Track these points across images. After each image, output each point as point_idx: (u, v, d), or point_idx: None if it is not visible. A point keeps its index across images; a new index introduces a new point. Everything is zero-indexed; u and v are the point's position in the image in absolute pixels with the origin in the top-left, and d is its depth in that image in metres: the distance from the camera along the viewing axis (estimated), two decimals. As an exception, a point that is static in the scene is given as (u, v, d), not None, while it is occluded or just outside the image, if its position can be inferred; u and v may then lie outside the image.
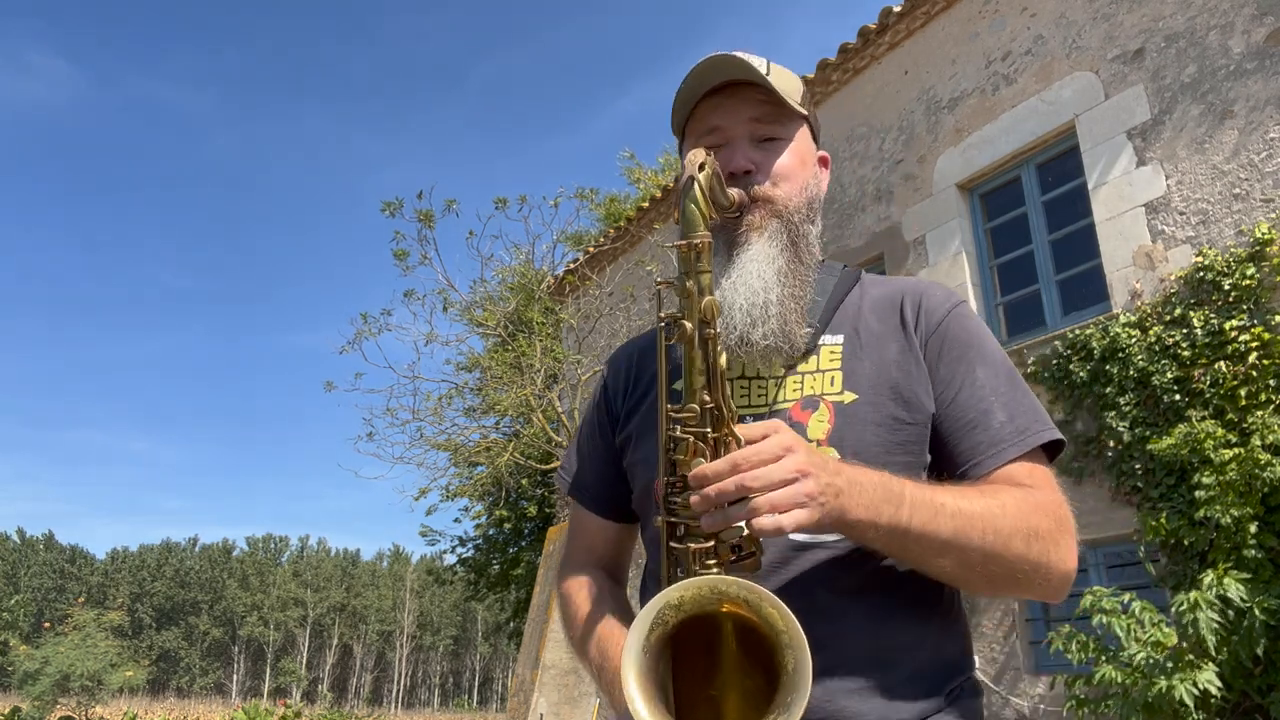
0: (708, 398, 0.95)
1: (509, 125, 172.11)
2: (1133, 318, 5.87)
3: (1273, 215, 5.38)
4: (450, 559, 17.09)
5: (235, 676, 74.20)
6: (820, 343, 1.19)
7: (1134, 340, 5.75)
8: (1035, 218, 6.92)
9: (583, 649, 1.25)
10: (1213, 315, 5.43)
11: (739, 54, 1.17)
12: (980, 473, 1.10)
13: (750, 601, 0.85)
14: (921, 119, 7.77)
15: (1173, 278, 5.77)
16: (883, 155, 8.08)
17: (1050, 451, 1.15)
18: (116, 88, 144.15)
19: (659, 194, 11.14)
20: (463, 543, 16.64)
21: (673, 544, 0.97)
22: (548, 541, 12.18)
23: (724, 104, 1.20)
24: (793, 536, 1.07)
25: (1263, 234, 5.32)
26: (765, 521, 0.87)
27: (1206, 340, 5.39)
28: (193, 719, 27.71)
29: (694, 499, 0.90)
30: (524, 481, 13.63)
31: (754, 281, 1.12)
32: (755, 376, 1.18)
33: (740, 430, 0.94)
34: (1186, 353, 5.45)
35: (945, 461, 1.14)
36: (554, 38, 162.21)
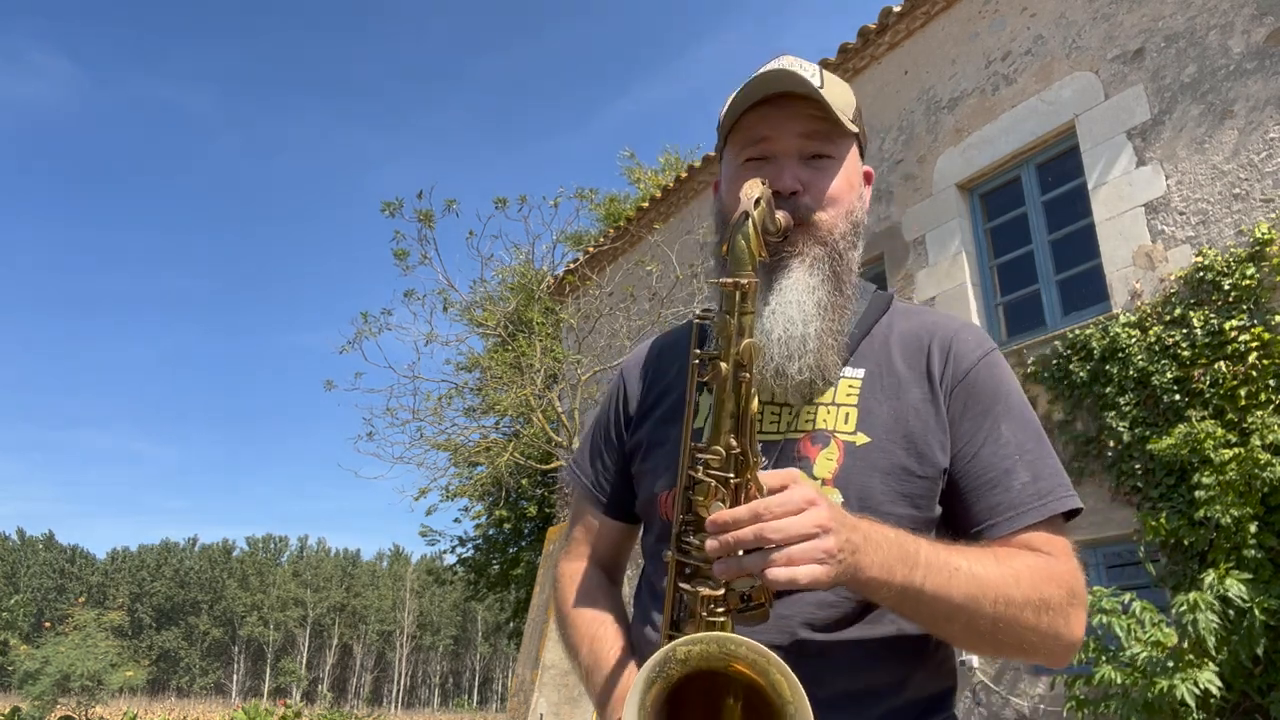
0: (734, 442, 0.93)
1: (509, 125, 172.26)
2: (1133, 318, 5.87)
3: (1273, 215, 5.38)
4: (450, 559, 17.09)
5: (235, 676, 74.19)
6: (841, 375, 1.15)
7: (1134, 340, 5.75)
8: (1035, 218, 6.92)
9: (571, 643, 1.24)
10: (1213, 315, 5.43)
11: (794, 65, 1.13)
12: (996, 535, 1.08)
13: (758, 665, 0.84)
14: (921, 119, 7.76)
15: (1173, 278, 5.77)
16: (883, 155, 8.08)
17: (1068, 515, 1.12)
18: (118, 87, 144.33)
19: (659, 194, 11.14)
20: (463, 543, 16.64)
21: (681, 584, 0.96)
22: (548, 541, 12.18)
23: (774, 115, 1.14)
24: None
25: (1263, 234, 5.32)
26: (779, 574, 0.86)
27: (1206, 340, 5.39)
28: (193, 719, 27.69)
29: (710, 544, 0.88)
30: (524, 481, 13.62)
31: (793, 312, 1.09)
32: (770, 402, 1.14)
33: (763, 478, 0.92)
34: (1186, 353, 5.45)
35: (961, 517, 1.12)
36: (554, 37, 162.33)
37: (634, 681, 0.85)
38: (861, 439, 1.11)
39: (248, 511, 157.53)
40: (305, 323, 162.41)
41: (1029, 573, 1.02)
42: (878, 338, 1.20)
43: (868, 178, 1.27)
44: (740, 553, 0.87)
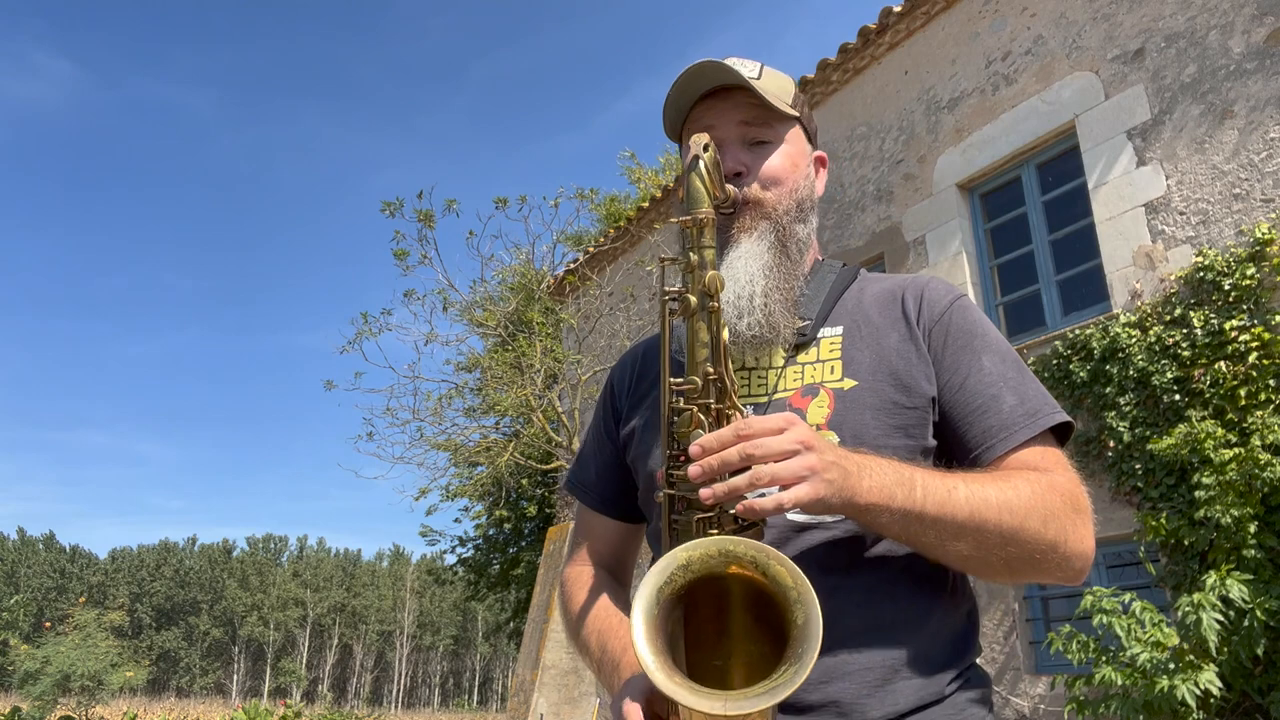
0: (710, 370, 0.96)
1: (509, 125, 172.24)
2: (1133, 318, 5.86)
3: (1273, 215, 5.38)
4: (450, 559, 17.08)
5: (235, 676, 74.17)
6: (820, 335, 1.20)
7: (1134, 340, 5.75)
8: (1035, 218, 6.92)
9: (581, 641, 1.25)
10: (1213, 315, 5.42)
11: (728, 60, 1.19)
12: (992, 456, 1.10)
13: (758, 561, 0.85)
14: (921, 119, 7.76)
15: (1173, 278, 5.76)
16: (883, 155, 8.08)
17: (1060, 436, 1.15)
18: (119, 88, 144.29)
19: (659, 194, 11.13)
20: (463, 543, 16.63)
21: (674, 518, 0.97)
22: (548, 541, 12.17)
23: (716, 106, 1.22)
24: (791, 517, 1.07)
25: (1263, 234, 5.32)
26: (766, 502, 0.87)
27: (1206, 340, 5.39)
28: (193, 719, 27.68)
29: (692, 469, 0.89)
30: (524, 481, 13.62)
31: (740, 275, 1.14)
32: (755, 367, 1.19)
33: (745, 408, 0.94)
34: (1186, 353, 5.45)
35: (956, 448, 1.14)
36: (555, 37, 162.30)
37: (639, 589, 0.86)
38: (849, 383, 1.15)
39: (248, 511, 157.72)
40: (305, 323, 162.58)
41: (1029, 486, 1.03)
42: (850, 300, 1.25)
43: (820, 161, 1.34)
44: (728, 476, 0.89)
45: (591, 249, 11.36)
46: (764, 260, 1.16)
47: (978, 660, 1.20)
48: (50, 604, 67.92)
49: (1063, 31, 6.72)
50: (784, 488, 0.89)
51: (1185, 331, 5.52)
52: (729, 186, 1.13)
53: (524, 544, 15.82)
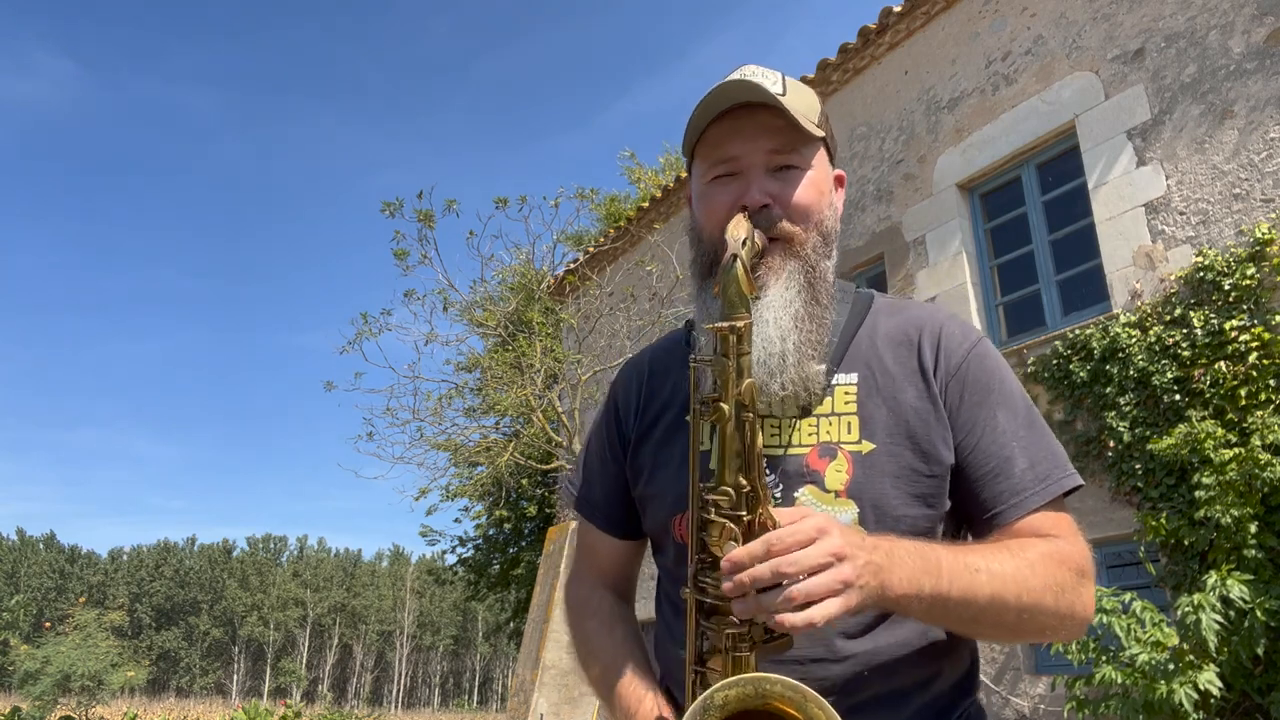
0: (743, 481, 0.95)
1: (509, 125, 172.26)
2: (1133, 318, 5.86)
3: (1273, 215, 5.38)
4: (450, 559, 17.08)
5: (235, 676, 74.17)
6: (834, 383, 1.16)
7: (1134, 340, 5.75)
8: (1035, 218, 6.92)
9: (590, 675, 1.25)
10: (1213, 315, 5.42)
11: (753, 75, 1.13)
12: (1003, 522, 1.11)
13: (795, 701, 0.86)
14: (921, 119, 7.76)
15: (1173, 278, 5.76)
16: (883, 155, 8.08)
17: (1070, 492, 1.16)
18: (120, 88, 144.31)
19: (659, 194, 11.13)
20: (463, 543, 16.63)
21: (702, 620, 0.97)
22: (548, 541, 12.17)
23: (738, 128, 1.14)
24: None
25: (1263, 234, 5.32)
26: (796, 619, 0.86)
27: (1206, 340, 5.39)
28: (193, 719, 27.68)
29: (727, 585, 0.89)
30: (524, 481, 13.62)
31: (770, 331, 1.09)
32: (768, 415, 1.14)
33: (776, 514, 0.93)
34: (1186, 353, 5.45)
35: (968, 505, 1.14)
36: (555, 37, 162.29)
37: None
38: (867, 446, 1.12)
39: (248, 511, 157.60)
40: (305, 323, 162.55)
41: (1042, 560, 1.05)
42: (864, 340, 1.20)
43: (839, 181, 1.26)
44: (760, 592, 0.88)
45: (591, 249, 11.36)
46: (794, 309, 1.11)
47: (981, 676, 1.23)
48: (50, 604, 67.92)
49: (1063, 31, 6.72)
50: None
51: (1185, 331, 5.52)
52: (756, 235, 1.08)
53: (524, 544, 15.82)
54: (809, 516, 0.91)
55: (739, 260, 0.97)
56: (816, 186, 1.17)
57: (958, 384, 1.15)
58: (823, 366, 1.14)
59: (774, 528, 0.92)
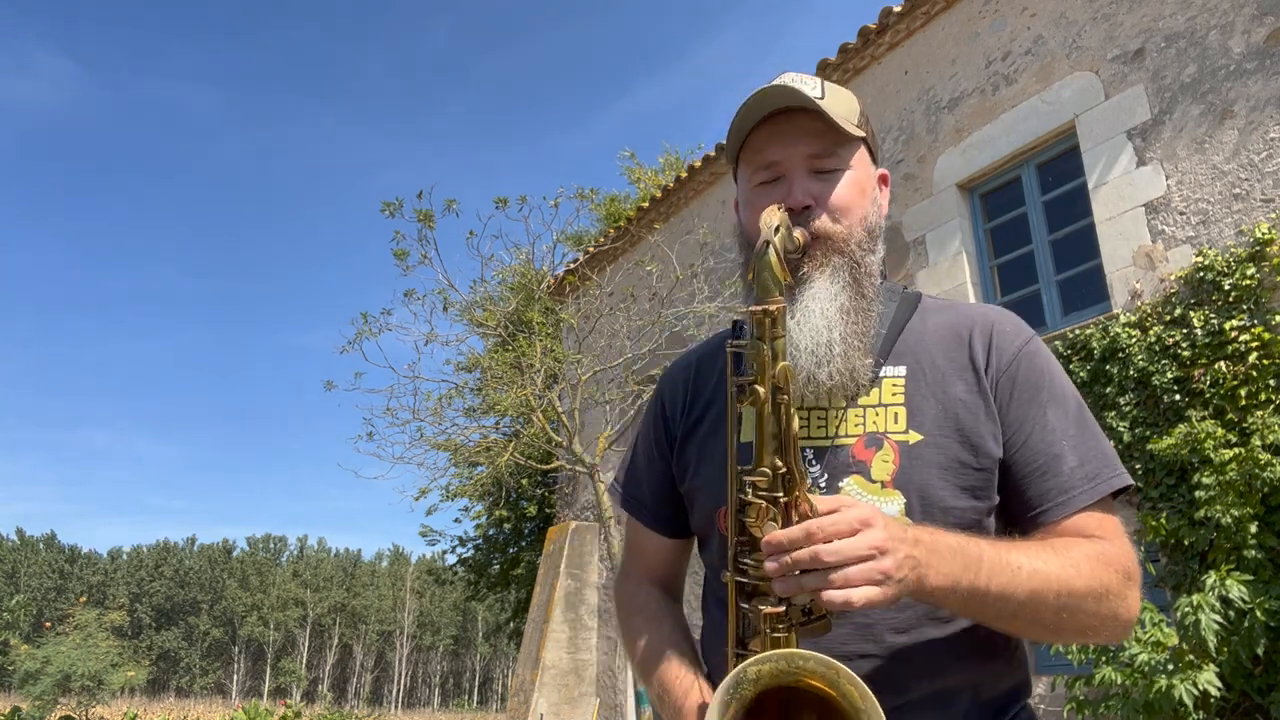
0: (779, 462, 0.96)
1: (509, 125, 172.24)
2: (1133, 318, 5.87)
3: (1273, 215, 5.38)
4: (450, 559, 17.07)
5: (235, 676, 74.17)
6: (881, 375, 1.17)
7: (1134, 340, 5.75)
8: (1035, 218, 6.92)
9: (641, 669, 1.25)
10: (1213, 315, 5.42)
11: (792, 80, 1.15)
12: (1049, 520, 1.10)
13: (828, 677, 0.86)
14: (921, 119, 7.77)
15: (1173, 278, 5.77)
16: (883, 155, 8.08)
17: (1119, 493, 1.15)
18: (120, 88, 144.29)
19: (659, 194, 11.14)
20: (463, 543, 16.62)
21: (742, 603, 0.99)
22: (548, 541, 12.18)
23: (779, 133, 1.17)
24: None
25: (1263, 234, 5.32)
26: (835, 596, 0.87)
27: (1206, 340, 5.39)
28: (193, 719, 27.69)
29: (768, 565, 0.90)
30: (524, 481, 13.62)
31: (817, 320, 1.11)
32: (815, 407, 1.16)
33: (816, 500, 0.94)
34: (1186, 353, 5.45)
35: (1015, 503, 1.14)
36: (555, 37, 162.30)
37: (710, 706, 0.88)
38: (914, 437, 1.12)
39: (248, 511, 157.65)
40: (305, 323, 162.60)
41: (1087, 562, 1.04)
42: (912, 335, 1.21)
43: (883, 180, 1.28)
44: (800, 573, 0.89)
45: (591, 249, 11.36)
46: (839, 302, 1.12)
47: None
48: (50, 604, 67.90)
49: (1063, 31, 6.72)
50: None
51: (1185, 331, 5.52)
52: (797, 233, 1.10)
53: (524, 544, 15.81)
54: (851, 506, 0.91)
55: (772, 246, 0.99)
56: (858, 185, 1.19)
57: (1008, 381, 1.15)
58: (870, 359, 1.14)
59: (811, 511, 0.93)
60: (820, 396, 1.13)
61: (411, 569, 78.89)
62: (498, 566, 16.27)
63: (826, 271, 1.13)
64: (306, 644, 76.05)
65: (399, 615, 77.17)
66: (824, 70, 8.49)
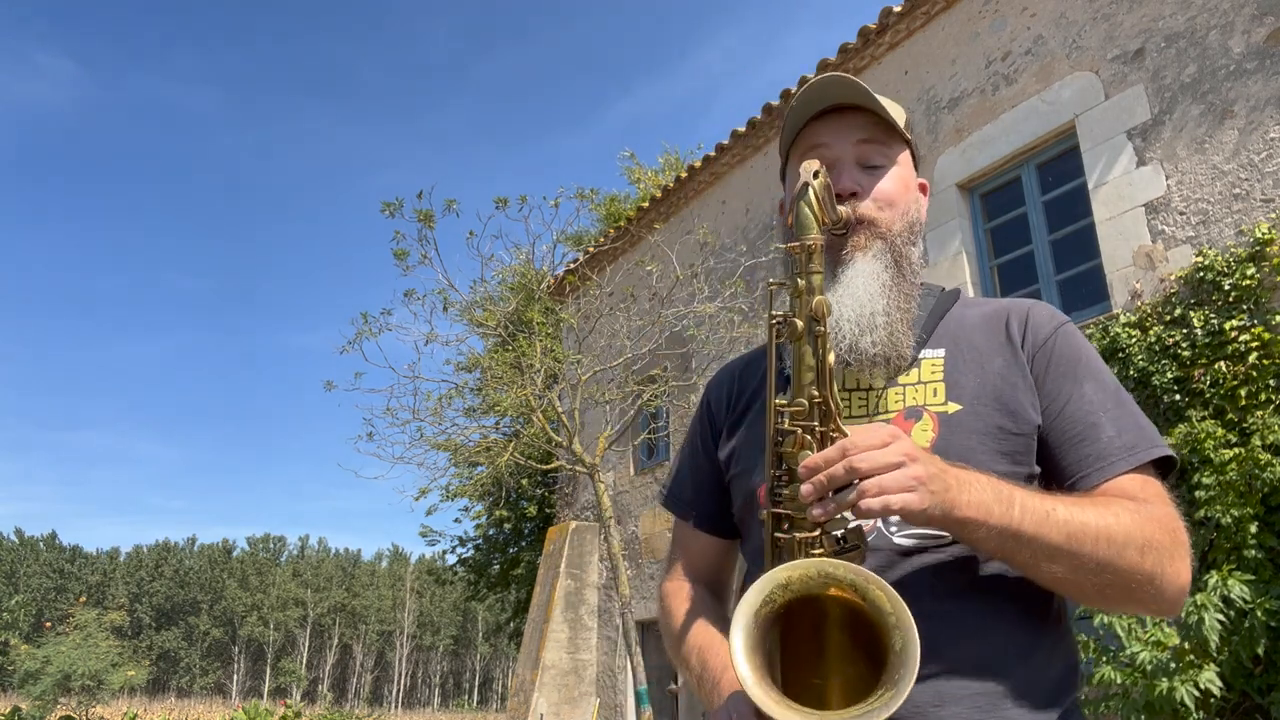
0: (816, 393, 0.97)
1: (509, 125, 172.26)
2: (1133, 318, 5.87)
3: (1273, 215, 5.38)
4: (450, 559, 17.08)
5: (235, 676, 74.17)
6: (921, 356, 1.19)
7: (1134, 340, 5.75)
8: (1035, 218, 6.92)
9: (682, 656, 1.26)
10: (1213, 315, 5.43)
11: (849, 77, 1.19)
12: (1088, 485, 1.09)
13: (857, 585, 0.87)
14: (921, 119, 7.77)
15: (1173, 278, 5.77)
16: (883, 155, 8.09)
17: (1163, 469, 1.14)
18: (121, 88, 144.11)
19: (659, 194, 11.14)
20: (463, 543, 16.63)
21: (778, 535, 1.00)
22: (548, 541, 12.18)
23: (832, 124, 1.21)
24: (898, 541, 1.07)
25: (1263, 234, 5.32)
26: (873, 503, 0.89)
27: (1206, 340, 5.39)
28: (193, 719, 27.69)
29: (804, 488, 0.91)
30: (524, 481, 13.62)
31: (860, 293, 1.14)
32: (855, 388, 1.18)
33: (849, 428, 0.95)
34: (1186, 353, 5.45)
35: (1053, 473, 1.14)
36: (555, 38, 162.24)
37: (739, 606, 0.88)
38: (953, 407, 1.14)
39: (248, 511, 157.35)
40: (305, 323, 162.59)
41: (1129, 515, 1.03)
42: (952, 321, 1.24)
43: (923, 188, 1.34)
44: (835, 492, 0.91)
45: (591, 249, 11.36)
46: (882, 279, 1.15)
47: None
48: (50, 604, 67.90)
49: (1063, 31, 6.72)
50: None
51: (1185, 331, 5.52)
52: (841, 208, 1.13)
53: (524, 544, 15.82)
54: (884, 427, 0.93)
55: (811, 188, 1.01)
56: (903, 181, 1.24)
57: (1044, 356, 1.17)
58: (911, 337, 1.16)
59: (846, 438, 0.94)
60: (864, 368, 1.15)
61: (411, 569, 78.89)
62: (498, 566, 16.27)
63: (869, 253, 1.17)
64: (306, 644, 76.05)
65: (399, 615, 77.18)
66: (824, 70, 8.49)
